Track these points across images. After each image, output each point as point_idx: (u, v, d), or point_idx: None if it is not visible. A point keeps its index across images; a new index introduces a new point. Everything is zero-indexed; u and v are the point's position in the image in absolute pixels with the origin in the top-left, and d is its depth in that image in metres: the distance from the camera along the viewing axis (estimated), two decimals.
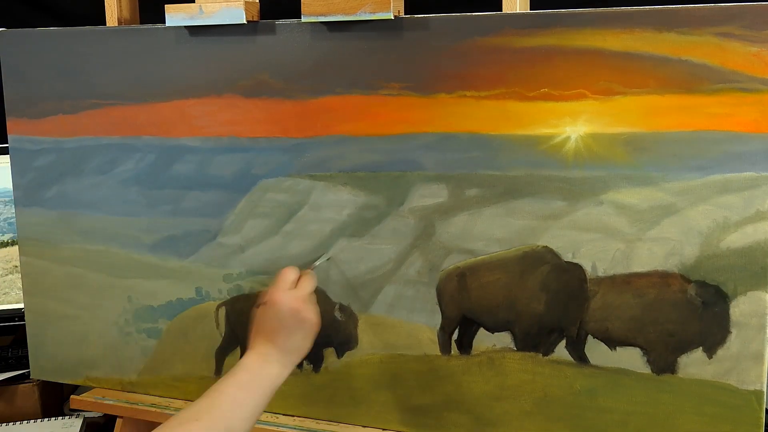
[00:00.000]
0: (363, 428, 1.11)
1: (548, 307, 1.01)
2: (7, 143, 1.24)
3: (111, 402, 1.23)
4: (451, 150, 1.01)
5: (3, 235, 1.50)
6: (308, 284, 1.00)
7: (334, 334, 1.10)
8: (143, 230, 1.19)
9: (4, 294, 1.48)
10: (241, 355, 1.15)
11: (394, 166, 1.04)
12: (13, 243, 1.49)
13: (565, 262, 0.98)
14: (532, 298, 1.01)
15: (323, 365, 1.12)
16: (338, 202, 1.07)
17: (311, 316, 0.96)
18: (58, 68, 1.19)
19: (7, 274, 1.49)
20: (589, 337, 0.99)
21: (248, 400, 0.90)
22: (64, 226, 1.23)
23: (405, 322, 1.07)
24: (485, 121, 0.98)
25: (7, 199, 1.48)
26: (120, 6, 1.20)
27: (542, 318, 1.01)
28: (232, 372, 0.93)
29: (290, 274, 0.99)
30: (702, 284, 0.93)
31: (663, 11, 0.90)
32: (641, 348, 0.97)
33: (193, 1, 1.08)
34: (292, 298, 0.96)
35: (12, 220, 1.46)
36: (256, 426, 1.11)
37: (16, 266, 1.47)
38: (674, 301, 0.95)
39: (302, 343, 0.96)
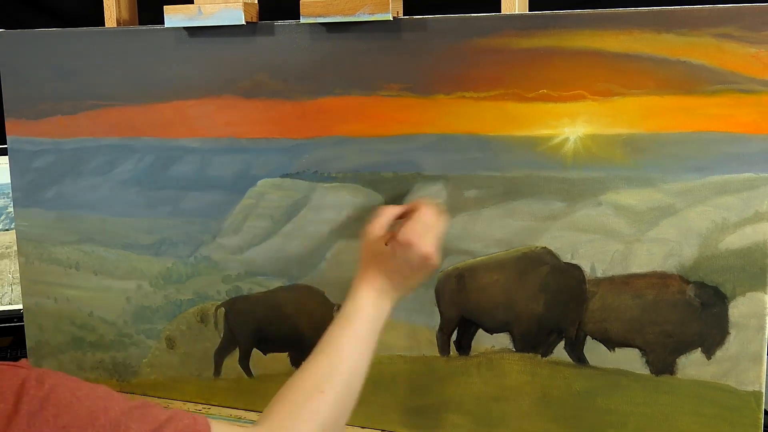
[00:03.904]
0: (362, 429, 1.10)
1: (547, 308, 1.01)
2: (6, 144, 1.24)
3: None
4: (450, 151, 1.00)
5: None
6: (443, 226, 0.95)
7: None
8: (142, 231, 1.19)
9: None
10: (241, 356, 1.16)
11: (393, 166, 1.04)
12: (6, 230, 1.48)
13: (564, 263, 0.98)
14: (531, 299, 1.01)
15: None
16: (337, 202, 1.07)
17: (438, 262, 0.92)
18: (57, 69, 1.18)
19: None
20: (588, 338, 0.99)
21: (367, 354, 0.86)
22: (63, 226, 1.23)
23: (404, 323, 1.06)
24: (484, 122, 0.98)
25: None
26: (119, 7, 1.20)
27: (541, 319, 1.01)
28: (347, 317, 0.88)
29: (428, 214, 0.93)
30: (701, 285, 0.93)
31: (661, 12, 0.90)
32: (640, 349, 0.97)
33: (192, 2, 1.08)
34: (429, 243, 0.91)
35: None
36: None
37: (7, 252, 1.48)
38: (673, 302, 0.94)
39: (417, 284, 0.94)
